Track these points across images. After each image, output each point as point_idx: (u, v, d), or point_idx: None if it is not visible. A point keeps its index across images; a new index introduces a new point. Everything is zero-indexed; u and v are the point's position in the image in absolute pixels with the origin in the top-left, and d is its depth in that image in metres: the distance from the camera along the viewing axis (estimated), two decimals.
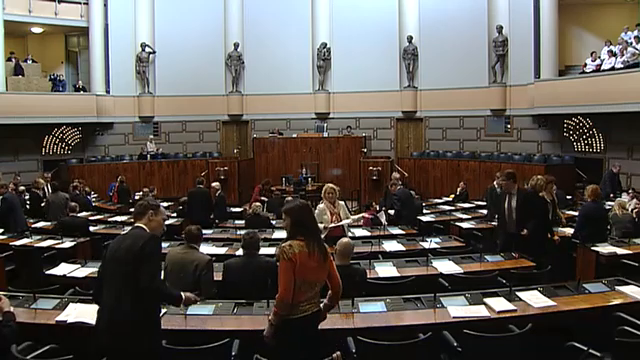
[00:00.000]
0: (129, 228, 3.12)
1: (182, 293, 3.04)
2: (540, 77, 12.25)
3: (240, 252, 4.09)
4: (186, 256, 4.13)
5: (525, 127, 13.30)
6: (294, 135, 14.77)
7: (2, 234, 6.86)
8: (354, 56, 14.71)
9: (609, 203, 8.02)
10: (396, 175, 9.81)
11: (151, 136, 14.95)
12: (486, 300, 3.78)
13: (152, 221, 3.01)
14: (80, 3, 13.92)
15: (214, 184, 9.53)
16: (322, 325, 3.48)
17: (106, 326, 2.81)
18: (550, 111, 12.19)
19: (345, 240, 4.18)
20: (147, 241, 2.85)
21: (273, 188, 11.67)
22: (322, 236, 5.70)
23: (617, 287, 4.05)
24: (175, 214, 9.14)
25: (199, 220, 7.01)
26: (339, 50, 14.98)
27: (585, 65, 11.68)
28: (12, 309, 2.99)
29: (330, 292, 3.11)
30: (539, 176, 6.18)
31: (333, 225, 5.68)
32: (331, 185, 5.99)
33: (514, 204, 5.91)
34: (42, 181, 9.12)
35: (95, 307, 3.00)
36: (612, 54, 11.10)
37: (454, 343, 3.19)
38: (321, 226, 5.65)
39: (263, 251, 4.62)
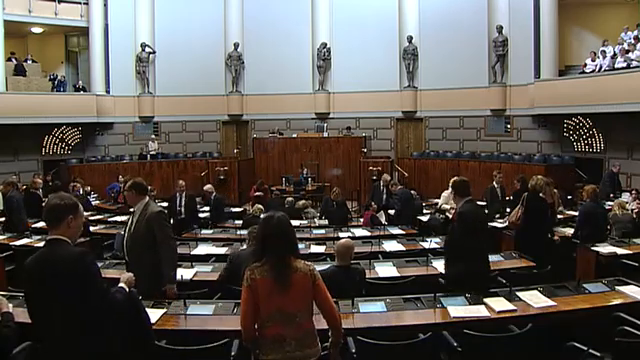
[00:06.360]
0: (43, 243, 2.52)
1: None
2: (540, 77, 12.25)
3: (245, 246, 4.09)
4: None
5: (525, 127, 13.30)
6: (294, 135, 14.76)
7: (2, 234, 6.86)
8: (354, 56, 14.71)
9: (609, 203, 8.01)
10: (387, 177, 9.82)
11: (153, 135, 14.95)
12: (486, 300, 3.77)
13: (71, 227, 2.45)
14: (80, 3, 13.93)
15: (206, 187, 9.39)
16: (322, 325, 3.46)
17: None
18: (550, 111, 12.18)
19: (344, 240, 4.16)
20: (79, 263, 2.33)
21: (273, 188, 11.65)
22: None
23: (617, 287, 4.05)
24: None
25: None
26: (339, 50, 14.98)
27: (585, 65, 11.68)
28: (11, 309, 2.98)
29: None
30: (539, 176, 6.17)
31: None
32: None
33: None
34: (40, 181, 9.11)
35: None
36: (605, 55, 11.16)
37: (454, 343, 3.18)
38: None
39: None
